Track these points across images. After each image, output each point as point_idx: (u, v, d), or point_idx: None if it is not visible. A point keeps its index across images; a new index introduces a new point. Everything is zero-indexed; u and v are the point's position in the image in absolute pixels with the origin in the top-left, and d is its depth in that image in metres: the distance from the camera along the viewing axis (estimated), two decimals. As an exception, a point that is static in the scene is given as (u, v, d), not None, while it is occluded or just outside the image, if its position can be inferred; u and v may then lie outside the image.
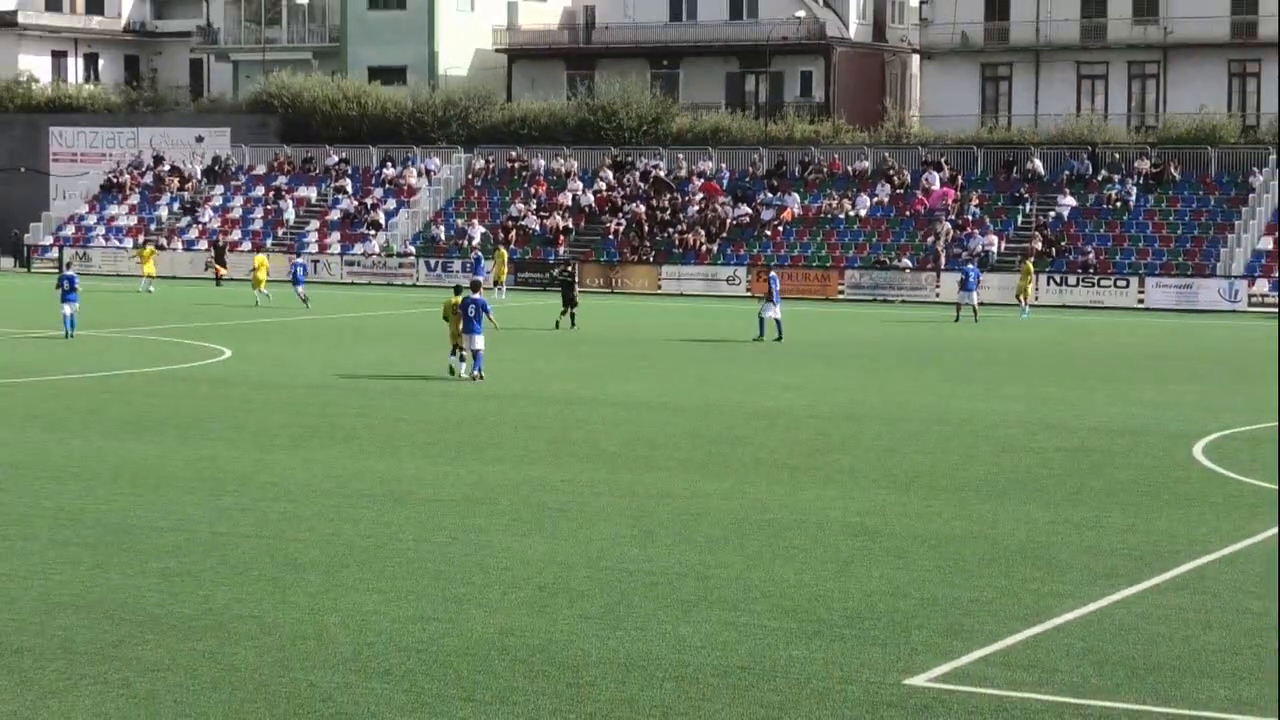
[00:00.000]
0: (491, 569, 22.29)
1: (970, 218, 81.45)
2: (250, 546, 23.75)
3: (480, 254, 79.16)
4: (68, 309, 51.20)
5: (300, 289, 67.57)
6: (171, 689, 16.97)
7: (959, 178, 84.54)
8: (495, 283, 70.00)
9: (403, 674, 17.51)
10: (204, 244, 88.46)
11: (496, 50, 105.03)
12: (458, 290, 45.16)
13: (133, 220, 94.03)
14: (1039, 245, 78.12)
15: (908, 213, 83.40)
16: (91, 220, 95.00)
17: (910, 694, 16.37)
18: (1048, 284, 75.72)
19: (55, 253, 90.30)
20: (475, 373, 42.89)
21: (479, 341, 42.76)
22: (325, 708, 16.38)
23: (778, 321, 54.52)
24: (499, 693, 16.78)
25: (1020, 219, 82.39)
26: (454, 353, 43.54)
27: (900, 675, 16.92)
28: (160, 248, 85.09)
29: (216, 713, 16.26)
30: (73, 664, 17.86)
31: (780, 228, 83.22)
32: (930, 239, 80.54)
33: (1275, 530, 24.19)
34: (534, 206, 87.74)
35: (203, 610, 20.16)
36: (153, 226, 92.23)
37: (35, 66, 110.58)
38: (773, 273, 59.65)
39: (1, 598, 20.58)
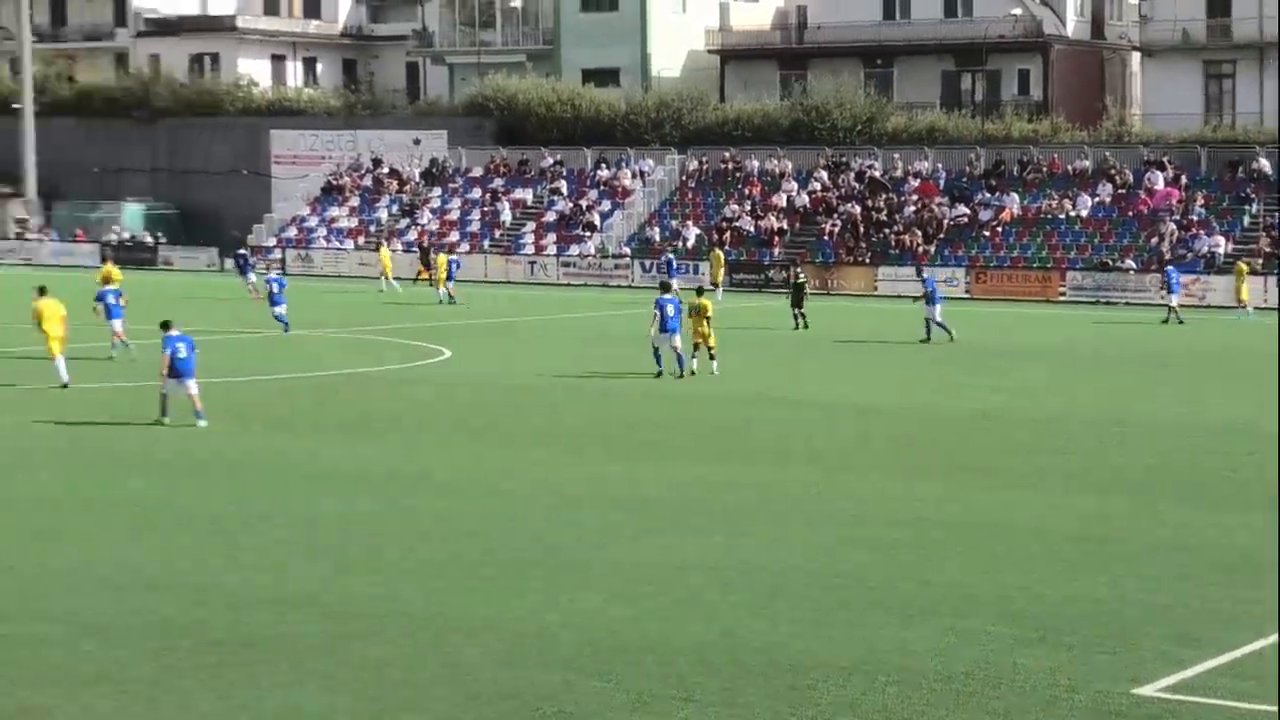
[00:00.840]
0: (710, 571, 22.33)
1: (1195, 218, 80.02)
2: (473, 546, 23.97)
3: (672, 255, 79.46)
4: (116, 325, 48.15)
5: (450, 285, 69.38)
6: (396, 685, 17.24)
7: (1182, 177, 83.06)
8: (713, 284, 69.91)
9: (623, 674, 17.60)
10: (429, 245, 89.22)
11: (709, 51, 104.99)
12: (664, 288, 45.77)
13: (353, 222, 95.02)
14: (1266, 246, 76.65)
15: (1130, 213, 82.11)
16: (313, 222, 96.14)
17: (1139, 704, 16.11)
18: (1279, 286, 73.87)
19: (278, 253, 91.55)
20: (680, 370, 43.08)
21: (677, 340, 43.01)
22: (547, 706, 16.51)
23: (940, 324, 54.05)
24: (720, 694, 16.82)
25: (1247, 219, 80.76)
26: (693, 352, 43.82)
27: (1129, 685, 16.66)
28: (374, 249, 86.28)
29: (440, 709, 16.47)
30: (301, 659, 18.17)
31: (999, 228, 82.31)
32: (1154, 240, 79.30)
33: None
34: (748, 208, 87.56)
35: (425, 605, 20.41)
36: (372, 228, 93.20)
37: (255, 70, 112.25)
38: (927, 274, 59.13)
39: (231, 596, 20.98)
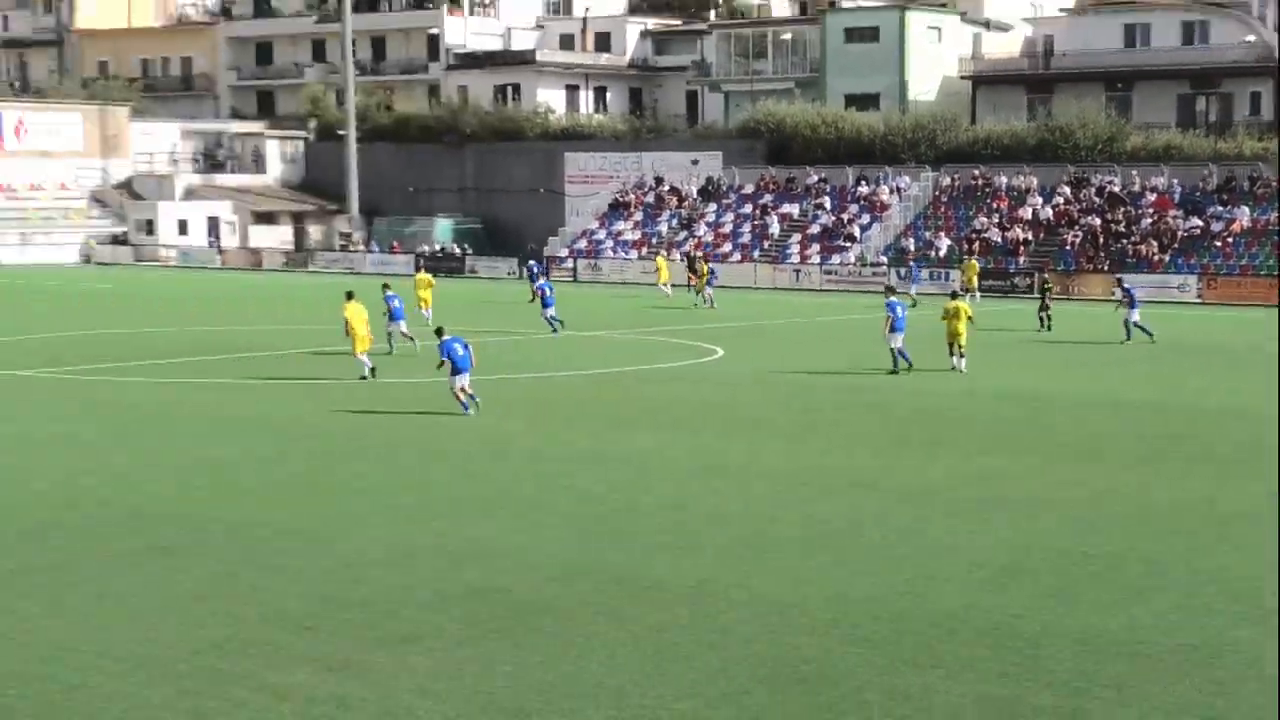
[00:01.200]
0: (954, 550, 22.28)
1: None
2: (737, 523, 24.11)
3: (913, 263, 79.30)
4: (400, 325, 48.73)
5: (708, 290, 68.90)
6: (672, 646, 17.47)
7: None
8: (965, 289, 69.17)
9: (877, 641, 17.70)
10: (698, 254, 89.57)
11: (961, 77, 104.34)
12: (889, 291, 46.45)
13: (636, 235, 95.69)
14: None
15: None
16: (601, 235, 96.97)
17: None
18: None
19: (570, 263, 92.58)
20: (899, 366, 43.57)
21: (900, 339, 43.56)
22: (807, 669, 16.64)
23: (1140, 325, 53.28)
24: (964, 660, 16.90)
25: None
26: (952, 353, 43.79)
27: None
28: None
29: (712, 669, 16.67)
30: (588, 622, 18.46)
31: (1229, 239, 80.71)
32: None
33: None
34: (996, 220, 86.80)
35: (698, 578, 20.59)
36: (654, 240, 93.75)
37: (552, 99, 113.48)
38: (1127, 283, 58.00)
39: (525, 565, 21.34)
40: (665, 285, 74.62)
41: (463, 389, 35.42)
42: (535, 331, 56.25)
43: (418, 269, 71.03)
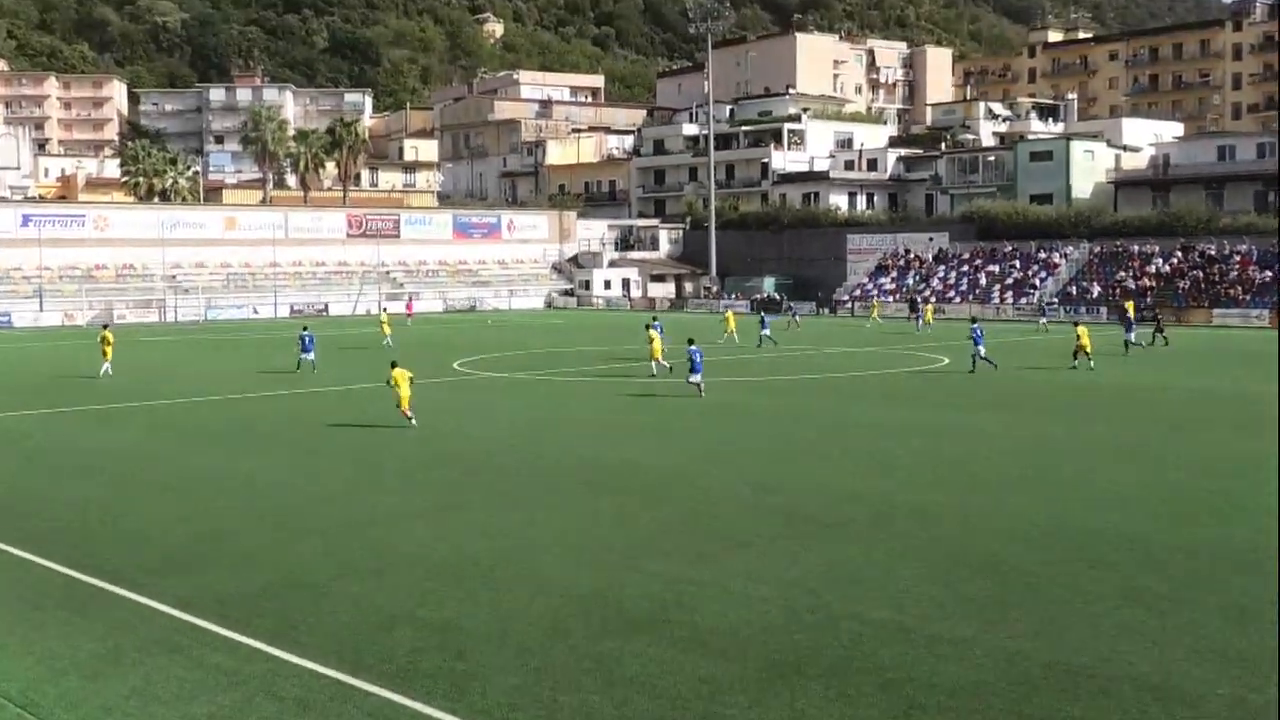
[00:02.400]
0: (1103, 487, 21.16)
1: None
2: (956, 469, 23.26)
3: (1046, 304, 76.00)
4: (309, 356, 44.78)
5: (765, 330, 57.74)
6: (909, 548, 16.78)
7: None
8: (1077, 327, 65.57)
9: (1045, 546, 17.04)
10: (932, 299, 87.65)
11: (1108, 182, 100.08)
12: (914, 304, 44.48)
13: (892, 286, 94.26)
14: None
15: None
16: (869, 286, 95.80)
17: None
18: None
19: (849, 304, 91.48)
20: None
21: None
22: (998, 563, 16.06)
23: (1133, 341, 50.80)
24: (1109, 563, 15.96)
25: None
26: None
27: None
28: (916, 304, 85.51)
29: (936, 564, 16.05)
30: (856, 531, 17.88)
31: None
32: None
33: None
34: (1131, 274, 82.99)
35: (927, 502, 19.82)
36: (903, 289, 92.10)
37: (839, 201, 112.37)
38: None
39: (818, 493, 20.80)
40: (732, 333, 59.26)
41: (698, 383, 35.20)
42: (825, 348, 55.68)
43: (756, 308, 70.35)
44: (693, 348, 36.00)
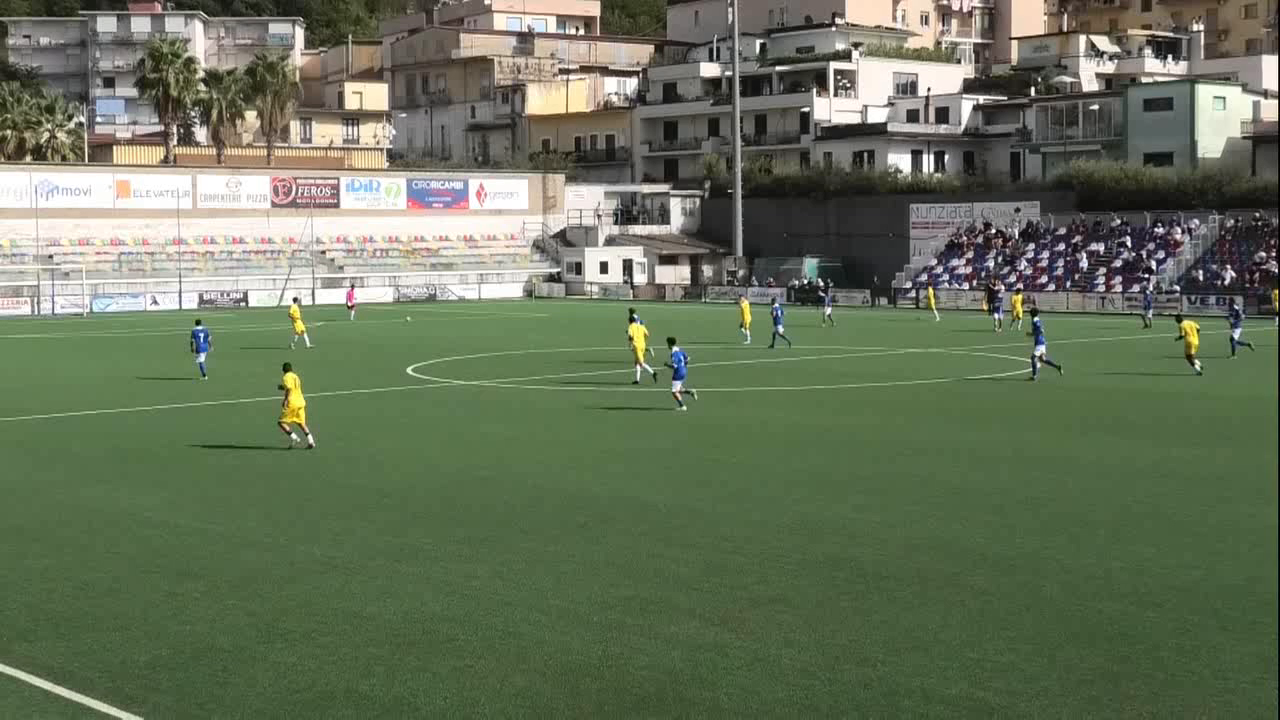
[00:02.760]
0: (1238, 532, 21.23)
1: None
2: (1052, 507, 23.42)
3: (1147, 294, 75.89)
4: (201, 358, 45.98)
5: (779, 328, 56.78)
6: (994, 610, 17.05)
7: None
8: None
9: (1170, 606, 17.14)
10: (1019, 287, 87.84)
11: (1243, 137, 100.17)
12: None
13: (968, 270, 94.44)
14: None
15: None
16: (939, 270, 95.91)
17: None
18: None
19: (912, 294, 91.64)
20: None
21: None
22: (1110, 629, 16.18)
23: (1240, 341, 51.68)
24: (1247, 624, 16.12)
25: None
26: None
27: None
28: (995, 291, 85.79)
29: (1028, 628, 16.20)
30: (925, 588, 18.12)
31: None
32: None
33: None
34: (1274, 254, 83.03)
35: (1018, 552, 20.07)
36: (982, 274, 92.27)
37: (900, 161, 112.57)
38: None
39: (874, 539, 21.04)
40: (746, 329, 59.29)
41: (675, 391, 36.19)
42: (883, 350, 55.67)
43: (790, 298, 70.04)
44: (675, 350, 36.45)
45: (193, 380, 44.74)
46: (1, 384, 44.89)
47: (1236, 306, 54.70)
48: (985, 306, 73.28)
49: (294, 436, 30.33)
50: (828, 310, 73.91)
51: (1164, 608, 17.06)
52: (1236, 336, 52.12)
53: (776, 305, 58.69)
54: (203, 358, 45.90)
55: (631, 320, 44.60)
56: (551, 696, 14.02)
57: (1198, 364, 44.31)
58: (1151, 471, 27.07)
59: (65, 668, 15.03)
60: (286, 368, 31.14)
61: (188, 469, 28.42)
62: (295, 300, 66.04)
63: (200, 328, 46.84)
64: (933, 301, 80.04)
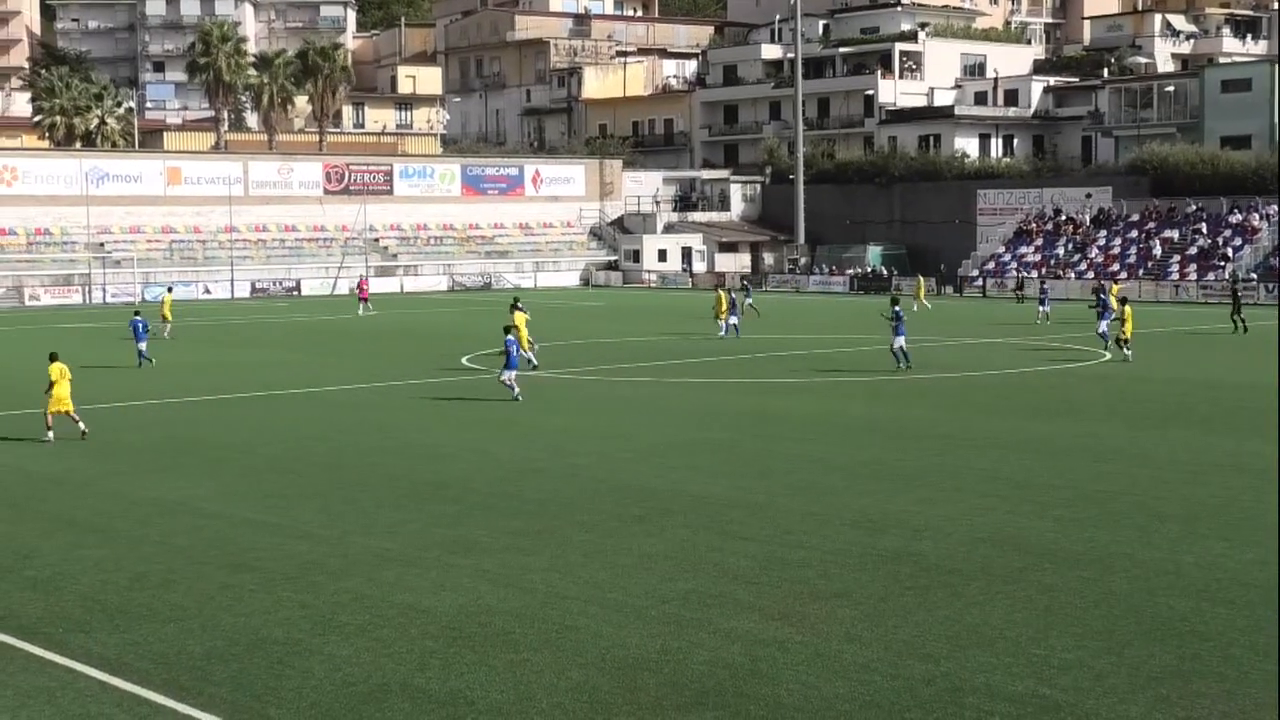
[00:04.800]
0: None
1: None
2: (1122, 501, 23.34)
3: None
4: (142, 345, 47.61)
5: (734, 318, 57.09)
6: (1061, 605, 17.04)
7: None
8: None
9: (1244, 604, 17.04)
10: (1090, 274, 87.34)
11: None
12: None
13: (1037, 257, 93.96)
14: None
15: None
16: (1006, 257, 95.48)
17: None
18: None
19: (980, 281, 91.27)
20: None
21: None
22: (1181, 626, 16.11)
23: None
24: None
25: None
26: None
27: None
28: (1057, 278, 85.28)
29: (1096, 624, 16.17)
30: (990, 583, 18.14)
31: None
32: None
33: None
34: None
35: (1087, 547, 20.04)
36: (1052, 262, 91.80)
37: (967, 146, 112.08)
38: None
39: (938, 533, 21.04)
40: (721, 320, 57.62)
41: (508, 380, 36.68)
42: (950, 339, 55.49)
43: (852, 286, 69.21)
44: (509, 338, 37.45)
45: (137, 367, 46.70)
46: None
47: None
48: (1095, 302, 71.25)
49: (51, 434, 30.65)
50: (750, 299, 73.41)
51: (1236, 604, 16.99)
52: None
53: (735, 294, 60.05)
54: (143, 345, 47.57)
55: (514, 309, 45.94)
56: (609, 691, 14.14)
57: (1128, 351, 45.85)
58: (1225, 466, 26.92)
59: (121, 659, 15.29)
60: (53, 357, 31.39)
61: (240, 459, 28.73)
62: (168, 290, 67.23)
63: (139, 318, 48.78)
64: (920, 292, 77.62)
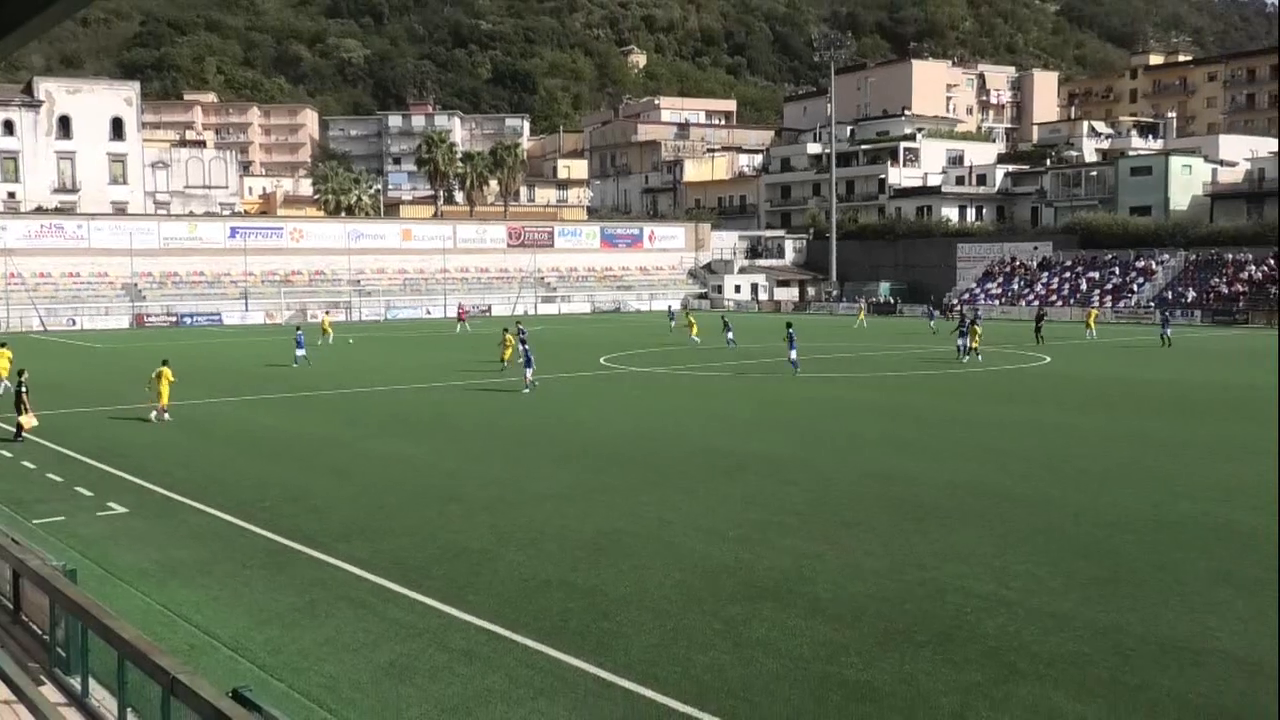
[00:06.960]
0: (1191, 477, 20.47)
1: None
2: (1058, 460, 22.71)
3: (1167, 313, 73.01)
4: (300, 352, 45.88)
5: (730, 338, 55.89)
6: (1016, 532, 16.55)
7: None
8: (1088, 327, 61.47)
9: (1145, 532, 16.57)
10: (1035, 303, 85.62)
11: (1204, 195, 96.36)
12: None
13: (999, 291, 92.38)
14: None
15: None
16: (977, 291, 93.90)
17: None
18: None
19: (957, 307, 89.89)
20: None
21: None
22: (1100, 547, 15.79)
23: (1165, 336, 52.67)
24: (1201, 546, 15.44)
25: None
26: None
27: None
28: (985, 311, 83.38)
29: (1040, 547, 15.82)
30: (965, 517, 17.69)
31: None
32: None
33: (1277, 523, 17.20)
34: (1224, 280, 79.75)
35: (1033, 491, 19.43)
36: (1009, 294, 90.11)
37: (950, 214, 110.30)
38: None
39: (930, 483, 20.63)
40: (696, 336, 58.98)
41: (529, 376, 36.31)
42: (938, 347, 54.67)
43: (870, 309, 68.41)
44: (526, 346, 37.41)
45: (295, 368, 45.84)
46: (321, 369, 46.10)
47: (1165, 314, 55.71)
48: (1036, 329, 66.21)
49: (166, 417, 29.19)
50: (932, 323, 73.07)
51: (1139, 532, 16.63)
52: (1167, 333, 54.55)
53: (724, 316, 60.43)
54: (300, 351, 46.33)
55: (505, 332, 46.08)
56: (699, 587, 14.14)
57: (979, 356, 45.36)
58: (1133, 436, 26.29)
59: (370, 560, 15.54)
60: (164, 363, 30.04)
61: (446, 429, 28.97)
62: (325, 313, 67.48)
63: (299, 332, 48.76)
64: (861, 314, 77.57)
